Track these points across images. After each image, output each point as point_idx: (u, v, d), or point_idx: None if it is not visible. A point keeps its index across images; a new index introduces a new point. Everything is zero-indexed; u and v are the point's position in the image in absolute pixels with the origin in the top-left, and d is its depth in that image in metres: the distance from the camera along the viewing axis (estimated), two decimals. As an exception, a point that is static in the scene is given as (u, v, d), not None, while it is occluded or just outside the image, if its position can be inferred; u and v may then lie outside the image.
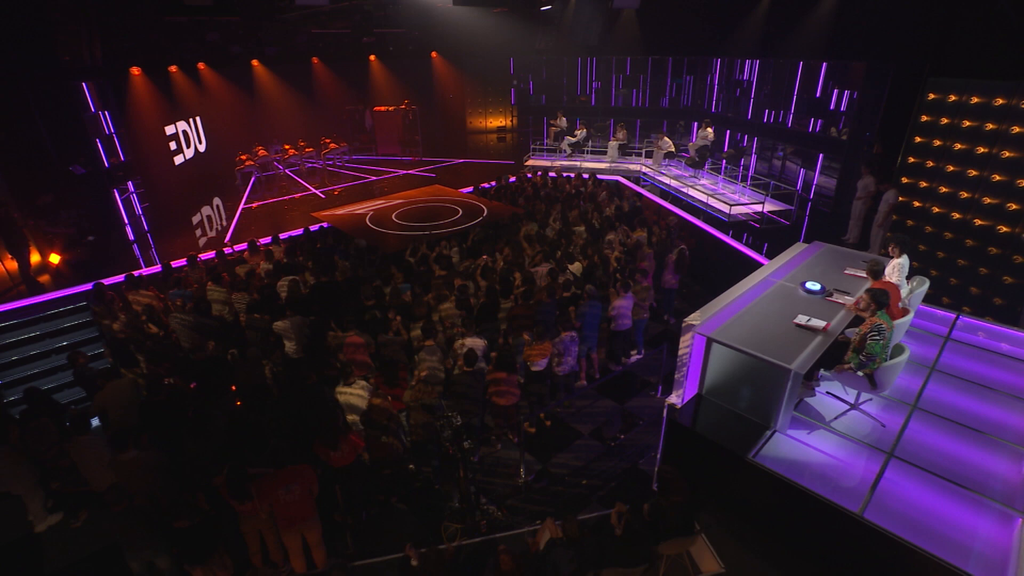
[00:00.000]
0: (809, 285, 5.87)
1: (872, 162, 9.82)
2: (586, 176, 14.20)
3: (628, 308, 7.87)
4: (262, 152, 17.17)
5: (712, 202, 12.84)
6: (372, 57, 19.12)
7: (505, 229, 10.74)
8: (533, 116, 20.20)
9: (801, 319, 5.13)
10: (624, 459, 6.57)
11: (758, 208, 12.44)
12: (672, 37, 16.63)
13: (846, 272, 6.34)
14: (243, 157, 16.93)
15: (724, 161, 14.93)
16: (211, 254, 9.69)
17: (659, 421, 7.44)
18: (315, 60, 18.50)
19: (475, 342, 6.48)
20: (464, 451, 5.24)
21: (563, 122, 17.34)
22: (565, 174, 15.16)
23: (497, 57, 19.11)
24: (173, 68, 14.04)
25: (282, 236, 10.61)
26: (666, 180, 14.77)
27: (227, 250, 10.18)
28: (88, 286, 8.37)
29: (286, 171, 17.38)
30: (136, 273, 8.65)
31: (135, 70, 12.23)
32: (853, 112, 11.99)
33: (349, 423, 5.52)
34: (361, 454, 5.22)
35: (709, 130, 14.89)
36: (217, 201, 14.53)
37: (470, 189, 14.19)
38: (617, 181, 15.23)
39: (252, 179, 16.50)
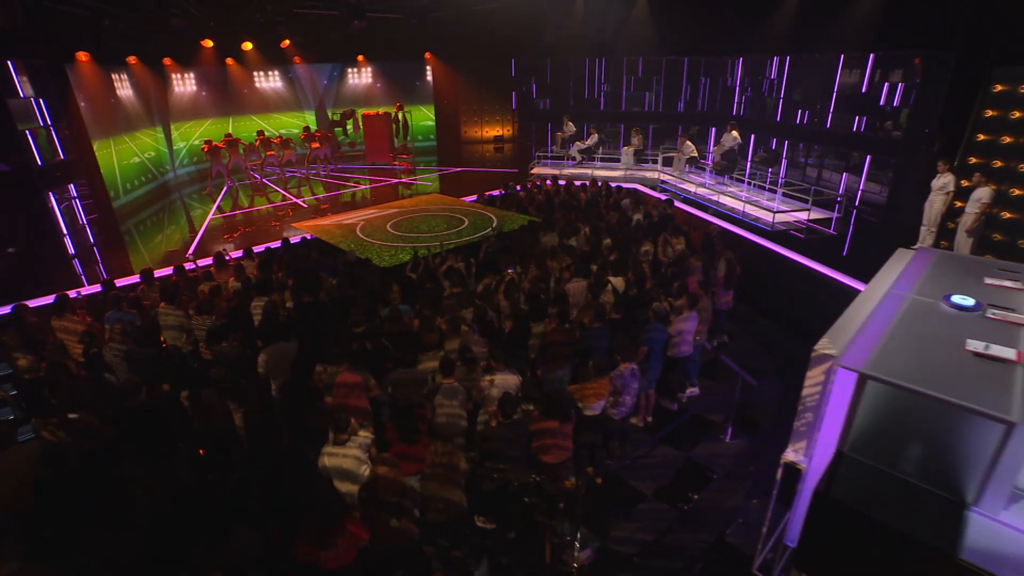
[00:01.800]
0: (957, 299, 4.58)
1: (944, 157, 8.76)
2: (600, 184, 13.04)
3: (692, 331, 6.57)
4: (229, 137, 15.55)
5: (749, 210, 11.72)
6: (360, 57, 18.00)
7: (522, 240, 9.43)
8: (536, 122, 19.16)
9: (975, 345, 3.82)
10: (705, 528, 5.16)
11: (800, 216, 11.34)
12: (689, 36, 15.78)
13: (988, 283, 5.07)
14: (206, 148, 15.28)
15: (749, 167, 13.91)
16: (170, 270, 8.22)
17: (735, 475, 6.17)
18: (297, 60, 17.31)
19: (507, 379, 5.10)
20: (575, 497, 3.82)
21: (571, 128, 16.27)
22: (577, 182, 14.01)
23: (497, 56, 18.10)
24: (132, 60, 12.67)
25: (256, 249, 9.18)
26: (690, 187, 13.69)
27: (189, 265, 8.72)
28: (5, 309, 6.82)
29: (263, 179, 15.97)
30: (73, 293, 7.13)
31: (82, 56, 10.81)
32: (908, 107, 11.02)
33: (343, 496, 4.04)
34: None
35: (735, 132, 13.88)
36: (184, 210, 13.06)
37: (473, 198, 12.92)
38: (635, 189, 14.11)
39: (225, 187, 15.05)
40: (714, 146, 14.89)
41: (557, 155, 16.56)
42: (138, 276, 7.90)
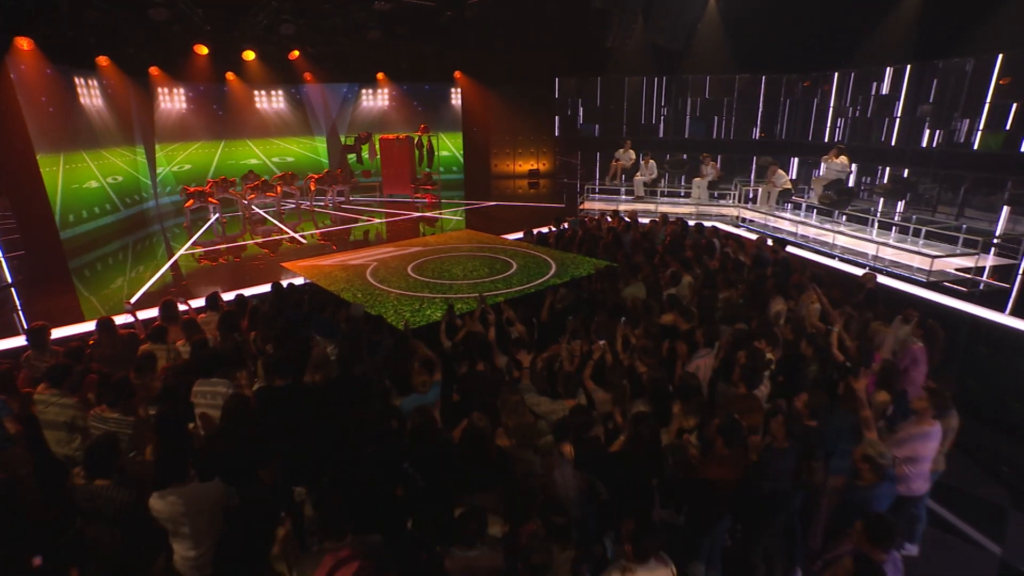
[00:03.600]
0: None
1: None
2: (674, 220, 10.61)
3: (930, 456, 3.90)
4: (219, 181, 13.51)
5: (887, 254, 9.12)
6: (381, 76, 16.22)
7: (600, 293, 6.93)
8: (584, 151, 17.03)
9: None
10: None
11: (966, 263, 8.69)
12: (770, 50, 13.68)
13: None
14: (191, 191, 13.25)
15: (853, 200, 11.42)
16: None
17: None
18: (308, 77, 15.55)
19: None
20: None
21: (630, 155, 14.03)
22: (643, 218, 11.61)
23: (539, 74, 16.16)
24: (103, 61, 10.78)
25: (226, 296, 6.76)
26: (782, 224, 11.24)
27: (129, 316, 6.34)
28: None
29: (257, 210, 13.78)
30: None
31: (23, 43, 8.79)
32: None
33: None
34: None
35: (843, 158, 11.45)
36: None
37: (518, 235, 10.53)
38: (716, 228, 11.66)
39: (212, 219, 12.85)
40: (815, 176, 12.45)
41: (609, 189, 14.27)
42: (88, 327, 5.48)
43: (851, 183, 13.18)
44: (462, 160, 18.62)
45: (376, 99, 17.31)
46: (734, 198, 13.45)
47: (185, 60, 12.71)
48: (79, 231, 10.69)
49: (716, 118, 15.53)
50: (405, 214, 13.88)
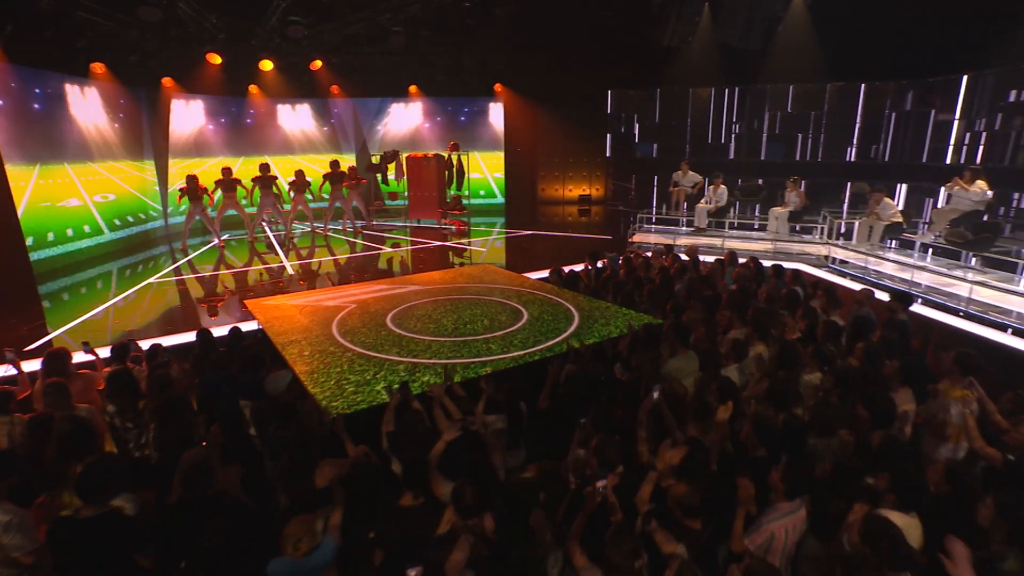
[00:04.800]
0: None
1: None
2: (748, 262, 8.56)
3: None
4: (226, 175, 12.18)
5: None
6: (413, 89, 15.16)
7: (632, 364, 5.11)
8: (639, 173, 15.17)
9: None
10: None
11: None
12: (872, 53, 11.39)
13: None
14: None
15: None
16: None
17: None
18: (335, 90, 14.71)
19: None
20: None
21: (692, 178, 12.04)
22: (705, 256, 9.63)
23: (586, 85, 14.56)
24: (98, 67, 10.15)
25: (145, 344, 5.43)
26: (889, 269, 8.94)
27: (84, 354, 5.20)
28: None
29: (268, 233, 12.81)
30: None
31: None
32: None
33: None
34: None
35: (980, 183, 8.99)
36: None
37: (543, 274, 8.81)
38: (799, 271, 9.46)
39: (213, 242, 11.93)
40: (936, 208, 9.99)
41: (667, 219, 12.31)
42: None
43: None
44: (492, 182, 17.29)
45: (408, 114, 16.29)
46: (821, 232, 11.15)
47: (199, 70, 12.11)
48: (73, 248, 10.03)
49: (800, 136, 13.24)
50: (425, 243, 12.48)
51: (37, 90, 9.54)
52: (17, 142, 8.95)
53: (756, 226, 12.35)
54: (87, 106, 10.76)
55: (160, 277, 9.38)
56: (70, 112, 10.22)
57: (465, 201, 14.55)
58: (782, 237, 11.08)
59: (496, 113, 16.50)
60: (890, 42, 11.14)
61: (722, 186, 11.43)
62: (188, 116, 13.57)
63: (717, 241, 11.26)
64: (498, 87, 15.57)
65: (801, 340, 5.47)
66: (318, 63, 13.21)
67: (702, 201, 11.78)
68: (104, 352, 5.42)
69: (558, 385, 4.60)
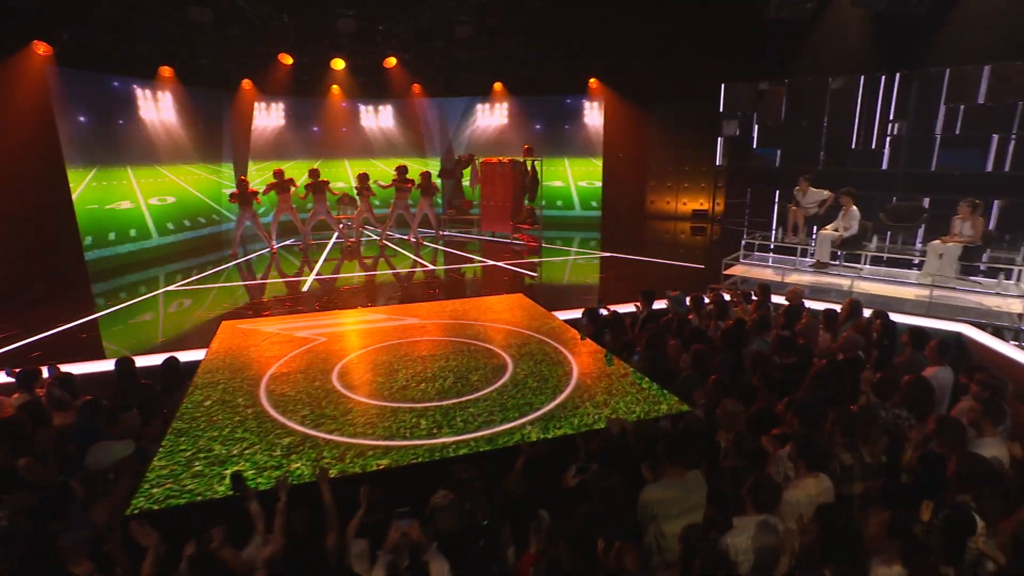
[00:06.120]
0: None
1: None
2: (870, 317, 6.24)
3: None
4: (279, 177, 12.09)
5: None
6: (498, 85, 14.28)
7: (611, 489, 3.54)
8: (755, 185, 12.70)
9: None
10: None
11: None
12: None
13: None
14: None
15: None
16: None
17: None
18: (416, 89, 14.34)
19: None
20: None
21: (816, 195, 9.52)
22: (812, 301, 7.38)
23: (694, 77, 12.49)
24: (167, 71, 10.66)
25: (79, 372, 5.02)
26: None
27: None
28: None
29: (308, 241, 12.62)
30: None
31: (40, 48, 8.62)
32: None
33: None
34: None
35: None
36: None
37: (575, 314, 7.26)
38: (960, 336, 6.83)
39: (269, 247, 11.99)
40: None
41: (784, 247, 9.91)
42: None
43: None
44: (574, 192, 15.77)
45: (495, 115, 15.41)
46: (1018, 278, 8.11)
47: (273, 72, 12.39)
48: (120, 250, 10.49)
49: (995, 138, 9.82)
50: (480, 261, 11.38)
51: (99, 94, 10.14)
52: (76, 145, 9.64)
53: (916, 262, 9.39)
54: (157, 109, 11.34)
55: (182, 285, 9.35)
56: (137, 115, 10.88)
57: (539, 212, 13.28)
58: (946, 282, 8.18)
59: (591, 113, 15.00)
60: None
61: (853, 207, 8.77)
62: (266, 118, 14.08)
63: (845, 282, 8.69)
64: (592, 82, 14.05)
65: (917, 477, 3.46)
66: (392, 60, 12.86)
67: (828, 227, 9.21)
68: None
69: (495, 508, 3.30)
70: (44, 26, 8.41)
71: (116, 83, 10.31)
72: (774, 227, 11.40)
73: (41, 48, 8.42)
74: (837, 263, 9.29)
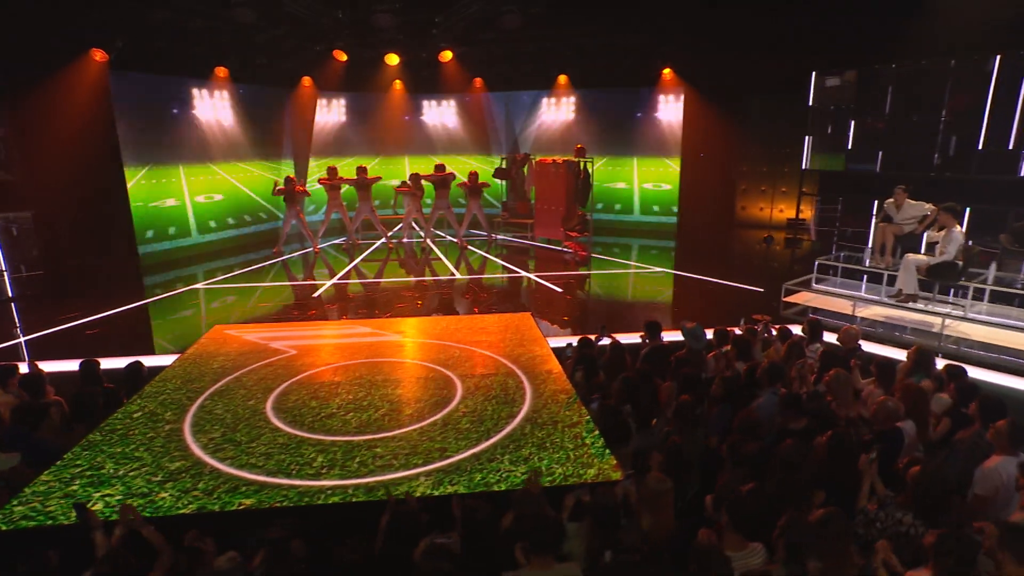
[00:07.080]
0: None
1: None
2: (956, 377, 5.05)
3: None
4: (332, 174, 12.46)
5: None
6: (563, 78, 13.74)
7: None
8: (851, 192, 11.11)
9: None
10: None
11: None
12: None
13: None
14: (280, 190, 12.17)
15: None
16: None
17: None
18: (478, 83, 14.25)
19: None
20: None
21: (910, 210, 8.00)
22: (884, 347, 6.24)
23: (781, 67, 11.08)
24: (222, 71, 11.43)
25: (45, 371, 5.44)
26: None
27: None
28: None
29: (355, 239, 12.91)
30: None
31: (97, 54, 9.51)
32: None
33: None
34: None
35: None
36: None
37: (631, 338, 6.50)
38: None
39: (311, 246, 12.37)
40: None
41: (869, 271, 8.54)
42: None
43: None
44: (636, 195, 14.78)
45: (561, 110, 14.82)
46: None
47: (329, 69, 12.84)
48: (171, 246, 11.25)
49: None
50: (515, 273, 10.88)
51: (155, 96, 10.96)
52: (130, 144, 10.54)
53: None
54: (213, 108, 12.08)
55: (211, 284, 9.90)
56: (191, 114, 11.68)
57: (589, 217, 12.60)
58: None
59: (666, 108, 13.93)
60: None
61: (956, 228, 7.18)
62: (327, 115, 14.63)
63: (935, 320, 7.21)
64: (666, 73, 12.99)
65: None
66: (447, 54, 12.77)
67: (916, 255, 7.69)
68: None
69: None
70: (100, 35, 9.35)
71: (171, 84, 11.22)
72: (869, 245, 9.82)
73: (98, 55, 9.39)
74: (931, 295, 7.73)
